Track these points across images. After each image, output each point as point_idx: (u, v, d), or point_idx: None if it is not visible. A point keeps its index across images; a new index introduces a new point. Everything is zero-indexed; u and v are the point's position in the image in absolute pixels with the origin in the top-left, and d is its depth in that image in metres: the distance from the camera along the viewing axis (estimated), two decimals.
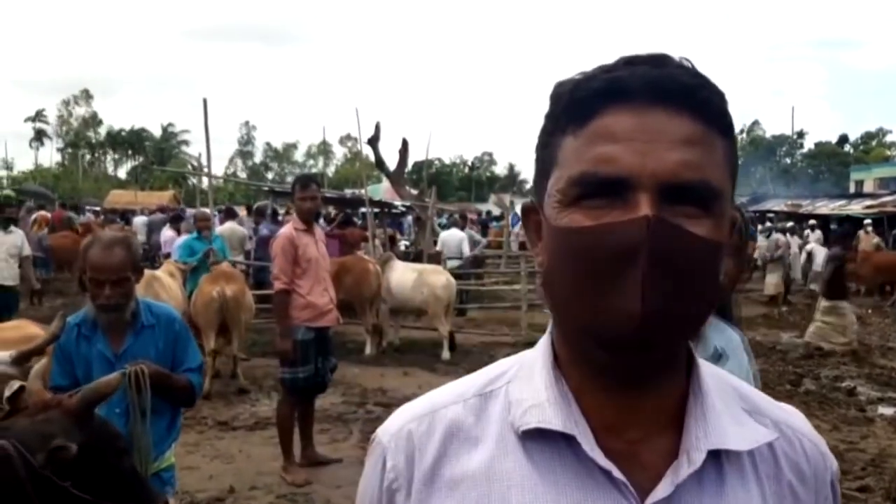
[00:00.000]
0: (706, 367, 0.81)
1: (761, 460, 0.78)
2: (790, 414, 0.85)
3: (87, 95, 75.44)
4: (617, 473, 0.72)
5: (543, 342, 0.82)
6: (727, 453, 0.75)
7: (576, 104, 0.74)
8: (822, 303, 10.02)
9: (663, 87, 0.71)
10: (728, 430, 0.75)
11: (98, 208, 25.92)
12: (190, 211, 15.63)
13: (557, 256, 0.74)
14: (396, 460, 0.80)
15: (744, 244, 1.63)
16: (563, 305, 0.75)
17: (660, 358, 0.73)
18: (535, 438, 0.76)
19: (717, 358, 1.66)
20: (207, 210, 10.13)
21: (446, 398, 0.83)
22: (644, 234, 0.67)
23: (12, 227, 9.04)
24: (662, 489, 0.72)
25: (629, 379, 0.74)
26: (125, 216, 20.91)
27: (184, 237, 10.22)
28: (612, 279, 0.68)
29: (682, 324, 0.72)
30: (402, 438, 0.81)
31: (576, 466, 0.74)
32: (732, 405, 0.79)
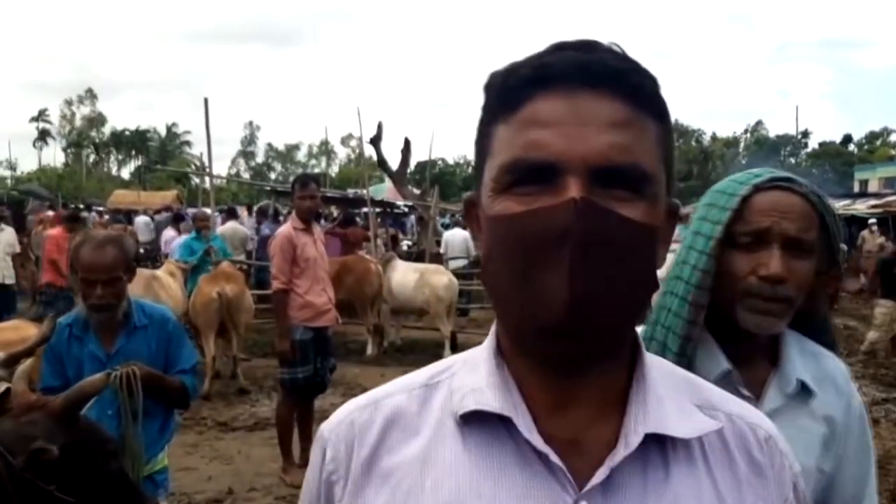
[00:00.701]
0: (654, 359, 0.80)
1: (711, 450, 0.76)
2: (747, 409, 0.84)
3: (91, 95, 75.71)
4: (554, 458, 0.71)
5: (490, 334, 0.81)
6: (672, 441, 0.74)
7: (506, 92, 0.73)
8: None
9: (592, 70, 0.70)
10: (669, 416, 0.74)
11: (101, 208, 25.92)
12: (191, 211, 15.63)
13: (492, 245, 0.73)
14: (336, 451, 0.79)
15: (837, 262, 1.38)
16: (499, 295, 0.74)
17: (597, 346, 0.71)
18: (474, 424, 0.75)
19: (802, 395, 1.30)
20: (207, 210, 10.12)
21: (392, 389, 0.83)
22: (572, 217, 0.66)
23: (2, 225, 9.09)
24: (599, 474, 0.71)
25: (568, 367, 0.73)
26: (129, 216, 20.82)
27: (184, 237, 10.22)
28: (543, 265, 0.67)
29: (614, 309, 0.70)
30: (343, 428, 0.80)
31: (514, 452, 0.73)
32: (679, 396, 0.78)
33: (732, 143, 45.67)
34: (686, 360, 1.29)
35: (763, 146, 48.67)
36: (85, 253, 2.72)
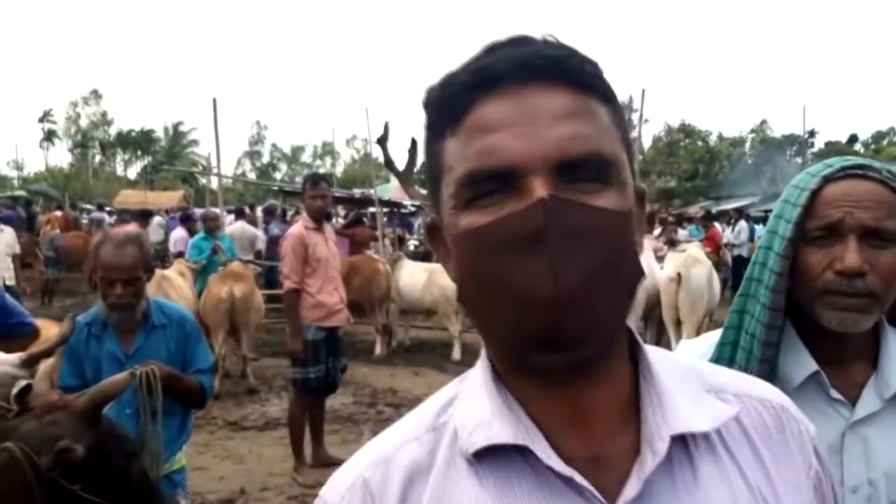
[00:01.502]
0: (656, 352, 0.77)
1: (731, 438, 0.74)
2: (753, 383, 0.82)
3: (96, 96, 75.91)
4: (579, 479, 0.67)
5: (481, 359, 0.77)
6: (693, 437, 0.71)
7: (447, 104, 0.70)
8: None
9: (531, 64, 0.67)
10: (688, 411, 0.71)
11: (109, 208, 25.98)
12: (199, 211, 15.65)
13: (464, 264, 0.70)
14: None
15: None
16: (482, 314, 0.70)
17: (593, 347, 0.67)
18: (487, 459, 0.70)
19: None
20: (217, 210, 10.14)
21: (399, 437, 0.76)
22: (542, 218, 0.63)
23: (2, 226, 9.16)
24: (630, 488, 0.68)
25: (568, 377, 0.69)
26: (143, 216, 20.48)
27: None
28: (522, 270, 0.64)
29: (603, 305, 0.66)
30: (357, 491, 0.74)
31: (534, 480, 0.69)
32: (690, 386, 0.75)
33: (738, 142, 45.46)
34: (768, 366, 1.23)
35: (769, 146, 48.50)
36: (105, 252, 2.73)
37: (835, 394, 1.21)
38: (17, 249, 9.45)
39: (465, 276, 0.70)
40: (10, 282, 8.74)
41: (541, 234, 0.63)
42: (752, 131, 51.64)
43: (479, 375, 0.76)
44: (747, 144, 47.75)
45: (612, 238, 0.66)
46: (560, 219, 0.63)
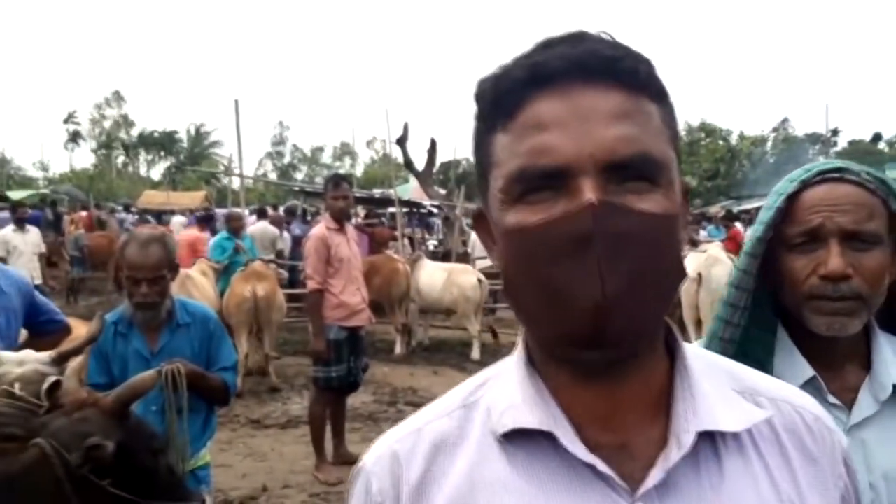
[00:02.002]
0: (691, 349, 0.77)
1: (762, 439, 0.75)
2: (789, 389, 0.82)
3: (118, 97, 76.78)
4: (602, 467, 0.69)
5: (518, 345, 0.79)
6: (723, 436, 0.72)
7: (500, 98, 0.71)
8: None
9: (585, 63, 0.68)
10: (718, 410, 0.72)
11: (133, 208, 26.29)
12: (220, 211, 15.79)
13: (511, 258, 0.71)
14: (382, 483, 0.77)
15: None
16: (526, 307, 0.72)
17: (633, 346, 0.70)
18: (517, 441, 0.73)
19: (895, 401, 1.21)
20: (239, 210, 10.23)
21: (431, 414, 0.80)
22: (591, 221, 0.64)
23: (28, 227, 9.28)
24: (653, 477, 0.69)
25: (605, 371, 0.71)
26: (159, 216, 20.88)
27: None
28: (569, 272, 0.66)
29: (647, 307, 0.68)
30: (386, 460, 0.78)
31: (560, 465, 0.71)
32: (722, 386, 0.76)
33: (760, 141, 44.93)
34: (732, 346, 1.26)
35: (791, 144, 47.96)
36: (131, 252, 2.78)
37: (832, 399, 1.20)
38: (43, 249, 9.59)
39: (510, 271, 0.72)
40: (37, 281, 8.88)
41: (589, 239, 0.64)
42: (774, 130, 51.06)
43: (514, 361, 0.78)
44: (769, 143, 47.16)
45: (659, 242, 0.68)
46: (608, 224, 0.64)
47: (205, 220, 11.64)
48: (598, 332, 0.66)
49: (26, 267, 8.67)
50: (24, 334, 3.17)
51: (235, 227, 8.91)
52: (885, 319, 1.30)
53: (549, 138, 0.67)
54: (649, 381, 0.73)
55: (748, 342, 1.28)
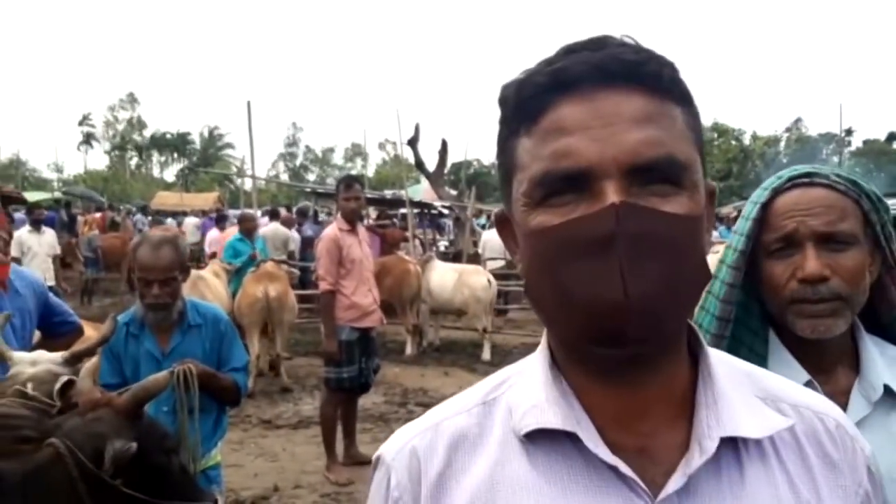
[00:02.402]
0: (716, 354, 0.78)
1: (783, 446, 0.75)
2: (811, 396, 0.82)
3: (132, 99, 77.33)
4: (624, 469, 0.69)
5: (541, 345, 0.80)
6: (745, 442, 0.72)
7: (523, 103, 0.72)
8: None
9: (608, 68, 0.68)
10: (741, 416, 0.72)
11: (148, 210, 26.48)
12: (233, 213, 15.85)
13: (534, 260, 0.72)
14: (400, 477, 0.77)
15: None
16: (549, 308, 0.72)
17: (655, 347, 0.70)
18: (539, 441, 0.73)
19: (891, 400, 1.21)
20: (251, 211, 10.28)
21: (450, 410, 0.81)
22: (614, 223, 0.65)
23: (44, 228, 9.38)
24: (675, 482, 0.69)
25: (627, 372, 0.71)
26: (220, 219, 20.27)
27: (228, 231, 10.39)
28: (592, 273, 0.66)
29: (670, 308, 0.68)
30: (405, 455, 0.78)
31: (582, 466, 0.71)
32: (745, 392, 0.76)
33: (773, 141, 44.58)
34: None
35: (805, 144, 47.62)
36: (142, 253, 2.80)
37: None
38: (58, 250, 9.66)
39: (532, 272, 0.72)
40: (50, 282, 8.96)
41: (612, 240, 0.65)
42: (787, 130, 50.66)
43: (537, 361, 0.79)
44: (782, 143, 46.78)
45: (682, 244, 0.68)
46: (631, 225, 0.65)
47: (218, 221, 11.70)
48: (619, 332, 0.66)
49: (40, 268, 8.74)
50: (37, 335, 3.20)
51: (248, 228, 8.94)
52: (870, 321, 1.30)
53: (572, 142, 0.68)
54: (671, 384, 0.74)
55: (739, 352, 1.29)
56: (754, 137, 39.20)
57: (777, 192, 1.26)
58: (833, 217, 1.20)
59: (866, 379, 1.23)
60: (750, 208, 1.28)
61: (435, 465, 0.76)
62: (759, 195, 1.28)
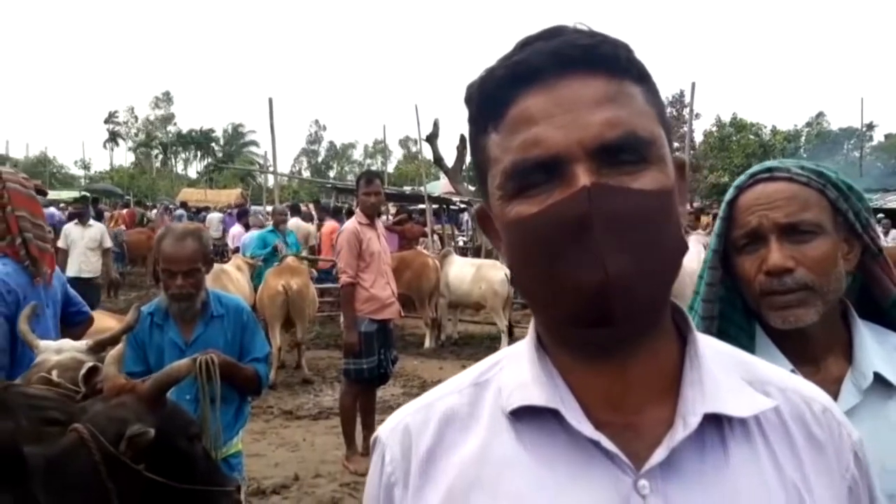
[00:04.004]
0: (705, 338, 0.79)
1: (769, 427, 0.76)
2: (799, 381, 0.83)
3: (168, 97, 78.11)
4: (606, 444, 0.71)
5: (529, 329, 0.82)
6: (729, 420, 0.74)
7: (487, 100, 0.73)
8: None
9: (564, 54, 0.70)
10: (726, 395, 0.74)
11: (172, 206, 26.75)
12: (256, 209, 15.99)
13: (515, 250, 0.74)
14: (394, 454, 0.80)
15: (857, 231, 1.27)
16: (534, 294, 0.75)
17: (637, 326, 0.71)
18: (525, 419, 0.75)
19: (882, 389, 1.20)
20: (283, 206, 10.41)
21: (443, 391, 0.84)
22: (587, 205, 0.66)
23: (91, 222, 9.58)
24: (657, 455, 0.71)
25: (613, 352, 0.73)
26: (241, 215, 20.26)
27: (252, 231, 10.51)
28: (571, 257, 0.67)
29: (650, 283, 0.69)
30: (398, 432, 0.81)
31: (567, 442, 0.73)
32: (731, 374, 0.77)
33: (793, 136, 43.70)
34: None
35: (826, 140, 46.79)
36: (166, 245, 2.86)
37: None
38: (108, 244, 9.81)
39: (515, 262, 0.74)
40: (86, 274, 9.14)
41: (586, 221, 0.66)
42: (808, 125, 49.77)
43: (525, 343, 0.81)
44: (802, 138, 45.98)
45: (656, 218, 0.69)
46: (604, 205, 0.66)
47: (240, 217, 11.83)
48: (604, 312, 0.67)
49: (78, 260, 9.06)
50: None
51: (277, 221, 9.10)
52: (871, 309, 1.30)
53: (538, 131, 0.69)
54: (657, 362, 0.75)
55: None
56: (774, 132, 38.57)
57: (741, 189, 1.28)
58: (794, 208, 1.22)
59: (858, 368, 1.23)
60: (722, 207, 1.31)
61: (425, 441, 0.79)
62: (728, 194, 1.31)
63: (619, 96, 0.70)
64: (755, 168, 1.30)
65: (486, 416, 0.78)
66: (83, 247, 9.24)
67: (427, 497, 0.76)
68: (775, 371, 0.82)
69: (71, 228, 9.35)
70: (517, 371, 0.79)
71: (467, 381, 0.83)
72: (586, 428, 0.72)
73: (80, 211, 9.90)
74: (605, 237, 0.66)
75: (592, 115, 0.69)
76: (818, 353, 1.26)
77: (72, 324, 3.23)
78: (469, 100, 0.76)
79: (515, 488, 0.72)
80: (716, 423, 0.73)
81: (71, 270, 8.84)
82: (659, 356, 0.75)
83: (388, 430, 0.83)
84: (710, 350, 0.78)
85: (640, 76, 0.73)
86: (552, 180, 0.69)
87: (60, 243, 8.88)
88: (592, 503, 0.71)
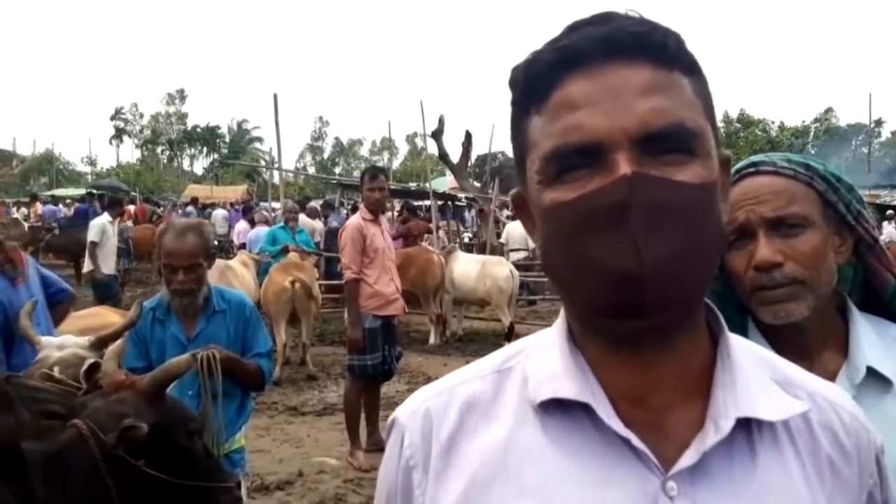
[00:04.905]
0: (736, 338, 0.78)
1: (797, 433, 0.74)
2: (827, 386, 0.81)
3: (181, 95, 78.32)
4: (636, 442, 0.70)
5: (559, 319, 0.80)
6: (759, 424, 0.72)
7: (532, 83, 0.72)
8: None
9: (612, 41, 0.68)
10: (758, 398, 0.72)
11: (176, 201, 26.83)
12: (262, 205, 15.99)
13: (550, 236, 0.73)
14: (413, 437, 0.78)
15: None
16: (566, 283, 0.73)
17: (670, 319, 0.70)
18: (553, 411, 0.74)
19: (877, 383, 1.19)
20: (293, 203, 10.44)
21: (464, 376, 0.82)
22: (626, 194, 0.65)
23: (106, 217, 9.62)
24: (688, 458, 0.69)
25: (643, 345, 0.71)
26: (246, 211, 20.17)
27: (259, 228, 10.52)
28: (607, 245, 0.66)
29: (686, 276, 0.68)
30: (419, 416, 0.79)
31: (596, 437, 0.72)
32: (762, 376, 0.76)
33: (802, 132, 43.48)
34: None
35: (834, 136, 46.57)
36: (168, 240, 2.85)
37: None
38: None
39: (550, 248, 0.73)
40: (112, 270, 9.17)
41: (625, 210, 0.65)
42: (816, 120, 49.54)
43: (554, 334, 0.79)
44: (811, 134, 45.79)
45: (696, 211, 0.68)
46: (643, 195, 0.65)
47: (245, 213, 11.85)
48: (636, 301, 0.66)
49: (108, 254, 9.02)
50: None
51: (287, 219, 9.12)
52: (872, 302, 1.29)
53: (581, 116, 0.68)
54: (688, 360, 0.74)
55: None
56: (782, 128, 38.39)
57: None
58: (781, 202, 1.20)
59: (852, 362, 1.22)
60: None
61: (447, 426, 0.77)
62: None
63: (666, 85, 0.69)
64: (741, 164, 1.28)
65: (510, 405, 0.76)
66: (115, 242, 9.28)
67: (448, 483, 0.75)
68: (804, 374, 0.81)
69: (107, 225, 9.23)
70: (546, 361, 0.77)
71: (489, 368, 0.81)
72: (617, 424, 0.70)
73: (116, 204, 9.91)
74: (642, 226, 0.65)
75: (638, 104, 0.67)
76: (812, 347, 1.24)
77: (53, 304, 3.23)
78: (514, 83, 0.75)
79: (540, 480, 0.71)
80: (745, 427, 0.72)
81: (108, 267, 8.84)
82: (690, 354, 0.74)
83: (407, 412, 0.81)
84: (742, 350, 0.77)
85: (690, 67, 0.72)
86: (592, 167, 0.68)
87: (94, 237, 8.87)
88: (619, 500, 0.69)
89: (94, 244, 8.80)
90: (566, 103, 0.69)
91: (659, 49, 0.69)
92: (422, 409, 0.80)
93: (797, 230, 1.20)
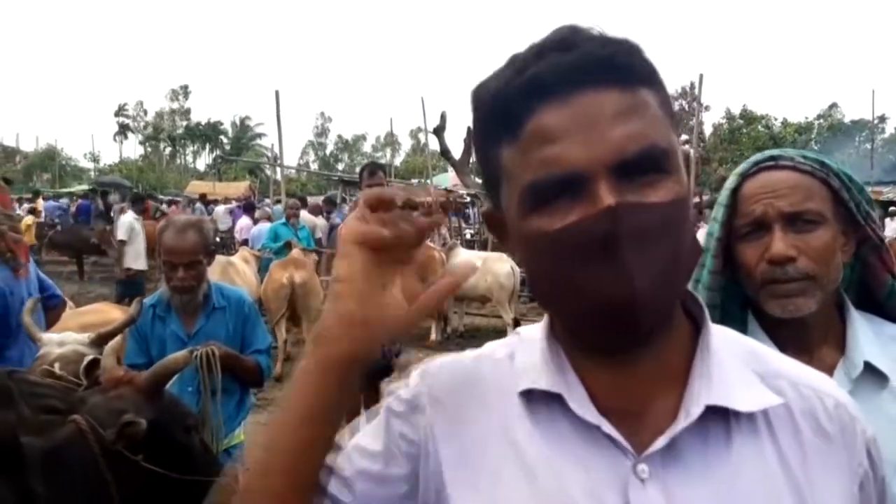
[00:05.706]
0: (720, 330, 0.80)
1: (777, 422, 0.76)
2: (813, 375, 0.83)
3: (185, 91, 78.30)
4: (607, 428, 0.73)
5: (545, 317, 0.84)
6: (736, 415, 0.74)
7: (501, 112, 0.73)
8: None
9: (581, 69, 0.69)
10: (734, 389, 0.75)
11: (179, 199, 26.84)
12: (265, 201, 16.01)
13: (535, 261, 0.75)
14: (430, 388, 0.84)
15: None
16: (555, 305, 0.77)
17: (651, 326, 0.73)
18: (537, 400, 0.78)
19: (874, 378, 1.20)
20: (295, 199, 10.44)
21: (482, 352, 0.87)
22: (613, 225, 0.67)
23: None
24: (659, 442, 0.73)
25: (622, 349, 0.75)
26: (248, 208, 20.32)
27: (261, 224, 10.52)
28: (598, 274, 0.69)
29: (672, 290, 0.73)
30: (440, 378, 0.85)
31: (571, 426, 0.76)
32: (742, 367, 0.78)
33: (805, 128, 43.31)
34: None
35: (837, 132, 46.38)
36: (167, 237, 2.87)
37: None
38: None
39: (535, 273, 0.76)
40: (144, 266, 9.21)
41: (613, 239, 0.67)
42: (819, 116, 49.36)
43: (539, 330, 0.84)
44: (814, 130, 45.62)
45: (674, 227, 0.71)
46: (629, 223, 0.67)
47: (247, 209, 11.85)
48: (630, 324, 0.70)
49: (136, 251, 9.14)
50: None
51: (288, 215, 9.12)
52: (868, 300, 1.30)
53: (557, 149, 0.69)
54: (666, 356, 0.77)
55: None
56: (784, 124, 38.24)
57: (744, 177, 1.28)
58: (799, 197, 1.22)
59: (849, 357, 1.23)
60: (723, 195, 1.30)
61: (455, 396, 0.82)
62: (730, 182, 1.30)
63: (635, 106, 0.70)
64: (758, 156, 1.29)
65: (505, 390, 0.81)
66: (142, 240, 9.31)
67: (444, 446, 0.80)
68: (789, 364, 0.82)
69: (134, 222, 9.28)
70: (530, 354, 0.82)
71: (503, 353, 0.85)
72: (588, 413, 0.74)
73: (138, 200, 9.94)
74: (631, 254, 0.67)
75: (612, 131, 0.69)
76: (813, 342, 1.26)
77: (46, 308, 3.25)
78: (478, 106, 0.75)
79: (529, 461, 0.76)
80: (722, 416, 0.74)
81: (139, 264, 8.89)
82: (668, 351, 0.77)
83: (432, 368, 0.86)
84: (724, 342, 0.79)
85: (651, 78, 0.73)
86: (573, 195, 0.69)
87: (123, 235, 8.89)
88: (591, 483, 0.73)
89: (122, 242, 8.83)
90: (541, 135, 0.70)
91: (625, 70, 0.71)
92: (444, 371, 0.85)
93: (811, 226, 1.21)
